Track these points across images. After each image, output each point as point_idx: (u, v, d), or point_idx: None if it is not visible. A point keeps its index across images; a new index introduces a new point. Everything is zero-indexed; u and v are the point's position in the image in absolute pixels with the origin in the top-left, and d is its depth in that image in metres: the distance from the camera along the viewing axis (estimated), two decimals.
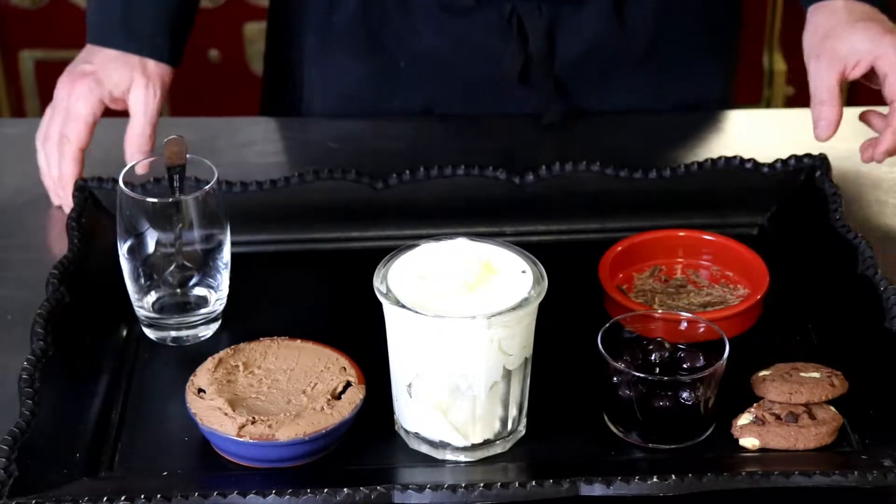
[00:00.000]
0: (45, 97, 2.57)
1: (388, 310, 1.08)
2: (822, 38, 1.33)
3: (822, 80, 1.31)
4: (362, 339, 1.15)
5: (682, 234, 1.31)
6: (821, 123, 1.31)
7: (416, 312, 1.05)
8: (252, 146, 1.50)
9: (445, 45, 1.51)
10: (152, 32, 1.40)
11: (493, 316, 1.04)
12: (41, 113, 1.40)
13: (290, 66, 1.59)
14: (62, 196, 1.37)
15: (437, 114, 1.54)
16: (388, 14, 1.51)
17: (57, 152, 1.37)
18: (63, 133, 1.36)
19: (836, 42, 1.32)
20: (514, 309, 1.05)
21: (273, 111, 1.63)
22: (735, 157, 1.36)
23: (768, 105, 2.65)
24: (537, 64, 1.50)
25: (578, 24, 1.49)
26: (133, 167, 1.22)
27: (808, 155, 1.36)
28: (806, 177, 1.36)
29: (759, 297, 1.23)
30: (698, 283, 1.28)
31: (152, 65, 1.39)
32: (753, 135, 1.32)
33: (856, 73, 1.31)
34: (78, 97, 1.36)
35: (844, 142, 1.47)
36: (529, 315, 1.07)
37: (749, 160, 1.35)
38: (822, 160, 1.36)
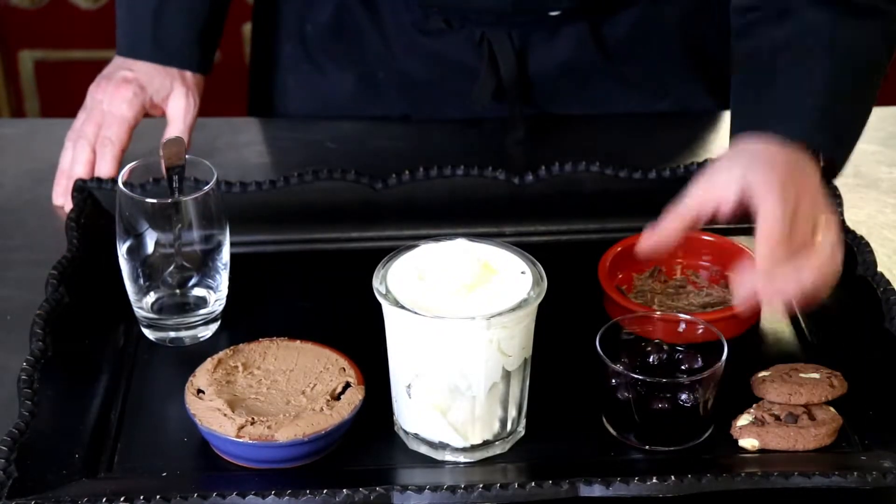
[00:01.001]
0: (45, 97, 2.58)
1: (388, 310, 1.08)
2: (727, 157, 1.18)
3: (690, 193, 1.15)
4: (362, 339, 1.15)
5: None
6: (657, 232, 1.16)
7: (416, 313, 1.05)
8: (251, 146, 1.50)
9: (419, 64, 1.51)
10: (181, 45, 1.43)
11: (493, 317, 1.04)
12: (41, 113, 1.41)
13: (270, 74, 1.60)
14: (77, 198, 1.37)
15: (419, 120, 1.54)
16: (361, 29, 1.51)
17: (89, 152, 1.39)
18: (104, 135, 1.39)
19: (716, 174, 1.15)
20: (513, 310, 1.05)
21: (258, 114, 1.63)
22: None
23: None
24: (510, 86, 1.49)
25: (552, 48, 1.49)
26: (132, 168, 1.22)
27: None
28: None
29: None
30: (698, 284, 1.28)
31: (189, 74, 1.43)
32: None
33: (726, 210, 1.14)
34: (122, 101, 1.40)
35: None
36: (529, 316, 1.07)
37: None
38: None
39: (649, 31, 1.50)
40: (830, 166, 1.21)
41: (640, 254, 1.17)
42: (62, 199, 1.39)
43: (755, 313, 1.24)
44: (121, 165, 1.38)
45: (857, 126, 1.24)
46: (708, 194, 1.15)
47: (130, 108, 1.39)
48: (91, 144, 1.39)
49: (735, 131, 1.22)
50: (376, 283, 1.08)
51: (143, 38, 1.42)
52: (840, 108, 1.21)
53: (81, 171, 1.38)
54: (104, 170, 1.39)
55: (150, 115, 1.43)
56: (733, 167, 1.15)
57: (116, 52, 1.43)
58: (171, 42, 1.42)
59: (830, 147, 1.20)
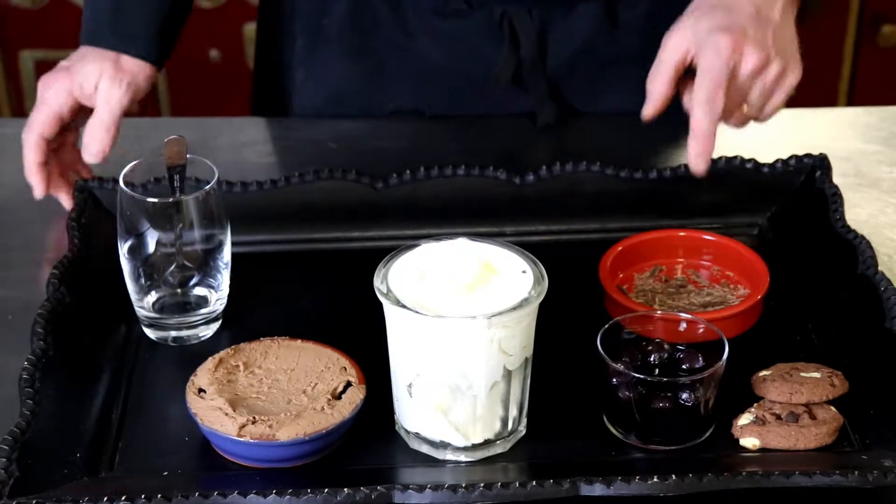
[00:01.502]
0: None
1: (389, 310, 1.08)
2: (686, 14, 1.28)
3: (662, 55, 1.27)
4: (363, 339, 1.15)
5: (682, 234, 1.31)
6: (649, 99, 1.27)
7: (417, 312, 1.05)
8: (252, 146, 1.50)
9: (437, 48, 1.51)
10: (141, 33, 1.38)
11: (494, 316, 1.04)
12: None
13: (280, 69, 1.59)
14: (33, 183, 1.36)
15: (432, 115, 1.54)
16: (378, 17, 1.51)
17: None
18: (28, 121, 1.36)
19: (688, 21, 1.27)
20: (514, 309, 1.05)
21: (262, 113, 1.63)
22: (735, 157, 1.36)
23: None
24: (529, 67, 1.50)
25: (570, 27, 1.49)
26: (133, 167, 1.22)
27: (808, 155, 1.36)
28: (806, 177, 1.36)
29: (759, 297, 1.23)
30: (699, 283, 1.28)
31: (126, 59, 1.36)
32: (752, 134, 1.32)
33: (689, 61, 1.26)
34: (47, 88, 1.36)
35: (844, 142, 1.47)
36: (530, 315, 1.07)
37: (749, 160, 1.35)
38: (823, 160, 1.36)
39: (662, 14, 1.51)
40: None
41: (647, 120, 1.27)
42: (37, 193, 1.37)
43: (755, 314, 1.24)
44: (45, 152, 1.35)
45: None
46: (679, 48, 1.25)
47: (55, 95, 1.35)
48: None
49: None
50: (377, 283, 1.08)
51: (103, 25, 1.38)
52: None
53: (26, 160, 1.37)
54: (25, 156, 1.36)
55: (86, 105, 1.37)
56: (700, 18, 1.25)
57: (80, 42, 1.40)
58: (131, 29, 1.37)
59: None
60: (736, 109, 1.27)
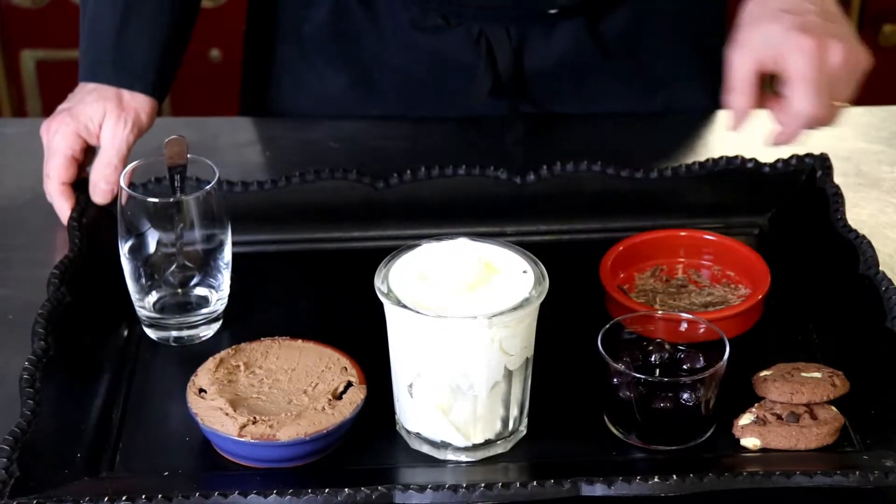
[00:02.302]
0: (46, 97, 2.58)
1: (389, 310, 1.08)
2: (748, 26, 1.27)
3: (736, 69, 1.25)
4: (364, 339, 1.15)
5: (683, 233, 1.31)
6: (731, 115, 1.26)
7: (417, 312, 1.05)
8: (252, 146, 1.50)
9: (416, 61, 1.50)
10: (142, 68, 1.36)
11: (494, 316, 1.04)
12: (42, 113, 1.40)
13: (265, 75, 1.58)
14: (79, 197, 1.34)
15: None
16: (358, 28, 1.50)
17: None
18: (45, 172, 1.34)
19: (753, 31, 1.25)
20: (514, 309, 1.05)
21: (250, 115, 1.62)
22: (737, 156, 1.35)
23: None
24: (507, 82, 1.49)
25: (549, 43, 1.49)
26: (134, 167, 1.22)
27: (809, 155, 1.36)
28: (807, 177, 1.36)
29: (760, 296, 1.23)
30: (699, 283, 1.28)
31: (128, 97, 1.35)
32: (751, 134, 1.31)
33: (772, 67, 1.25)
34: (55, 134, 1.34)
35: (844, 141, 1.47)
36: (530, 315, 1.07)
37: (751, 160, 1.35)
38: (824, 160, 1.36)
39: (646, 26, 1.51)
40: None
41: (734, 130, 1.25)
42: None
43: (756, 313, 1.24)
44: (73, 198, 1.34)
45: None
46: (750, 57, 1.23)
47: (63, 139, 1.33)
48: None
49: None
50: (378, 283, 1.08)
51: (104, 60, 1.36)
52: None
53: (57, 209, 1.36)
54: (56, 206, 1.34)
55: (94, 145, 1.36)
56: (766, 25, 1.24)
57: (79, 78, 1.38)
58: (132, 64, 1.36)
59: None
60: (831, 108, 1.25)
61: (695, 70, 1.56)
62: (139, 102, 1.36)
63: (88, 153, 1.36)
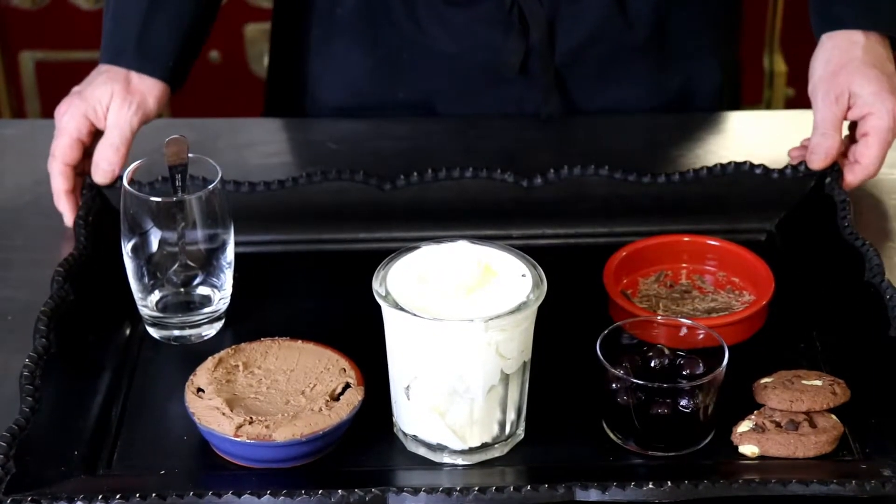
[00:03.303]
0: (46, 98, 2.58)
1: (387, 312, 1.08)
2: (834, 73, 1.35)
3: (829, 113, 1.34)
4: (364, 340, 1.15)
5: (687, 239, 1.30)
6: (818, 155, 1.34)
7: (414, 315, 1.05)
8: (252, 147, 1.50)
9: (447, 37, 1.51)
10: (162, 54, 1.38)
11: (491, 319, 1.04)
12: (41, 114, 1.40)
13: (296, 62, 1.59)
14: (62, 211, 1.36)
15: (438, 114, 1.54)
16: (389, 6, 1.51)
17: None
18: (51, 151, 1.36)
19: (849, 80, 1.34)
20: (511, 312, 1.05)
21: (278, 108, 1.63)
22: (745, 162, 1.35)
23: (768, 106, 2.65)
24: (538, 55, 1.50)
25: (580, 15, 1.49)
26: (137, 167, 1.22)
27: None
28: (816, 183, 1.35)
29: (764, 303, 1.22)
30: (703, 289, 1.28)
31: (137, 80, 1.37)
32: (756, 137, 1.31)
33: (851, 116, 1.35)
34: (62, 114, 1.36)
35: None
36: (528, 319, 1.07)
37: (759, 165, 1.35)
38: (833, 166, 1.35)
39: (672, 2, 1.51)
40: None
41: (817, 168, 1.35)
42: (67, 220, 1.37)
43: (760, 320, 1.23)
44: (72, 179, 1.35)
45: None
46: (836, 105, 1.34)
47: (71, 120, 1.35)
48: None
49: (818, 31, 1.40)
50: (376, 285, 1.08)
51: (128, 45, 1.38)
52: None
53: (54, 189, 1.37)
54: (53, 185, 1.35)
55: (101, 129, 1.37)
56: (854, 73, 1.34)
57: (100, 60, 1.40)
58: (154, 51, 1.38)
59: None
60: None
61: (711, 53, 1.58)
62: (147, 86, 1.37)
63: (97, 137, 1.37)
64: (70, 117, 1.35)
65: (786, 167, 1.36)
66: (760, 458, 1.09)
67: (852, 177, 1.35)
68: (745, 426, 1.10)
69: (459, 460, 1.10)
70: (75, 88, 1.38)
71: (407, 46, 1.52)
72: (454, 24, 1.50)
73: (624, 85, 1.54)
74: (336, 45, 1.55)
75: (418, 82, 1.54)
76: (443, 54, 1.52)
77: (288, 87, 1.61)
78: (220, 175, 1.20)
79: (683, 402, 1.08)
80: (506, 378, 1.07)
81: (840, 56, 1.36)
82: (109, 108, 1.35)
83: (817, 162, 1.34)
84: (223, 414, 1.08)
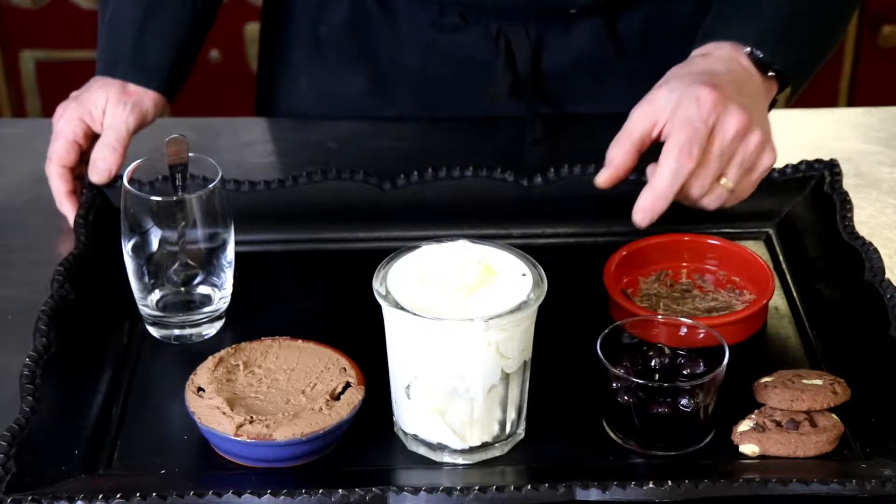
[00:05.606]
0: (46, 97, 2.59)
1: (387, 311, 1.08)
2: (660, 84, 1.26)
3: (629, 123, 1.25)
4: (365, 339, 1.15)
5: (687, 238, 1.30)
6: (607, 165, 1.26)
7: (415, 314, 1.05)
8: (252, 146, 1.50)
9: (434, 61, 1.50)
10: (156, 65, 1.39)
11: (491, 319, 1.04)
12: (42, 113, 1.41)
13: (282, 77, 1.59)
14: (65, 213, 1.36)
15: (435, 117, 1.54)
16: (376, 28, 1.51)
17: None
18: (48, 154, 1.37)
19: (663, 89, 1.25)
20: (512, 312, 1.05)
21: (266, 115, 1.62)
22: None
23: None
24: (526, 81, 1.49)
25: (567, 41, 1.49)
26: (137, 166, 1.22)
27: (818, 160, 1.35)
28: (816, 182, 1.35)
29: (764, 302, 1.22)
30: (704, 288, 1.28)
31: (133, 87, 1.38)
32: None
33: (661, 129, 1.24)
34: (59, 118, 1.37)
35: (844, 142, 1.47)
36: (528, 318, 1.07)
37: None
38: (833, 166, 1.35)
39: (663, 26, 1.50)
40: (782, 84, 1.28)
41: (600, 187, 1.24)
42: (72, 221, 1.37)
43: (760, 319, 1.23)
44: (71, 182, 1.36)
45: (814, 55, 1.29)
46: (647, 116, 1.22)
47: (67, 124, 1.36)
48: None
49: (698, 40, 1.30)
50: (376, 285, 1.08)
51: (122, 57, 1.38)
52: (798, 28, 1.27)
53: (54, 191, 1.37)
54: (52, 187, 1.36)
55: (98, 132, 1.38)
56: (674, 88, 1.22)
57: (96, 71, 1.40)
58: (149, 62, 1.38)
59: (785, 61, 1.26)
60: (715, 182, 1.22)
61: None
62: (141, 92, 1.38)
63: (94, 141, 1.37)
64: (66, 121, 1.36)
65: (786, 167, 1.35)
66: (761, 457, 1.09)
67: (655, 182, 1.22)
68: (745, 425, 1.10)
69: (460, 460, 1.10)
70: (73, 94, 1.39)
71: (394, 67, 1.52)
72: (441, 49, 1.50)
73: (616, 106, 1.52)
74: (322, 65, 1.54)
75: (408, 102, 1.54)
76: (430, 77, 1.51)
77: (277, 101, 1.60)
78: (220, 174, 1.20)
79: (684, 402, 1.08)
80: (506, 377, 1.07)
81: (680, 70, 1.27)
82: (105, 111, 1.36)
83: (599, 176, 1.26)
84: (223, 413, 1.08)
